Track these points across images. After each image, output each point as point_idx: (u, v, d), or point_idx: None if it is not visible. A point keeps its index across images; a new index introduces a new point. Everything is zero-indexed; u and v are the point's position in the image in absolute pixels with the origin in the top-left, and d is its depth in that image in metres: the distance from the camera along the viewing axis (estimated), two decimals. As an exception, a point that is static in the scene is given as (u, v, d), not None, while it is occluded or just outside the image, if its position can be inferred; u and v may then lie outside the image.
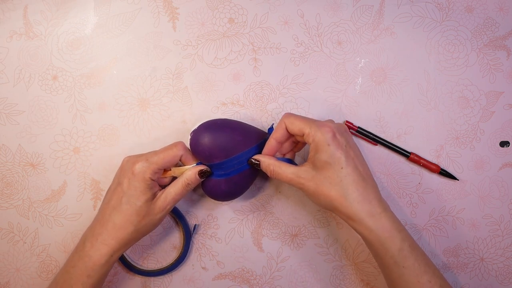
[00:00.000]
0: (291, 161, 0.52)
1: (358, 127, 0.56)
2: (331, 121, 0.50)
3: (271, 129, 0.53)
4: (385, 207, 0.48)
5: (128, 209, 0.48)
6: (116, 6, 0.55)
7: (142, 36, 0.55)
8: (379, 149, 0.57)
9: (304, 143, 0.53)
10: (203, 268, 0.57)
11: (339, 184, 0.46)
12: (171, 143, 0.56)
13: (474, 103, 0.57)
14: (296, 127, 0.48)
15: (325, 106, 0.57)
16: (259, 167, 0.50)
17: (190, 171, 0.50)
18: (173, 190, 0.50)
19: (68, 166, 0.56)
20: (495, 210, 0.57)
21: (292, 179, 0.48)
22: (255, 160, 0.50)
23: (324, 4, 0.56)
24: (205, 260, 0.57)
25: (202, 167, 0.50)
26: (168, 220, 0.57)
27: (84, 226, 0.56)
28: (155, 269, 0.57)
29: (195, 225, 0.57)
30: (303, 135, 0.48)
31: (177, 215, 0.56)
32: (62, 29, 0.55)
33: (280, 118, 0.57)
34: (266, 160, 0.50)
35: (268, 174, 0.50)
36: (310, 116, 0.56)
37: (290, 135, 0.50)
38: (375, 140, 0.56)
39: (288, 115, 0.49)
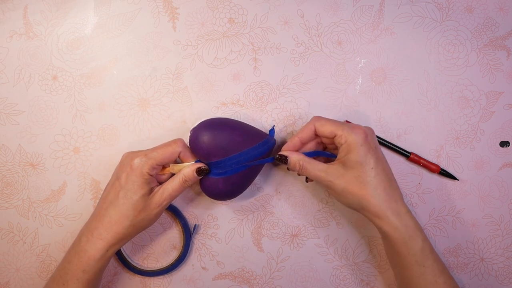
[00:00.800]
0: (320, 153, 0.52)
1: (358, 127, 0.56)
2: (358, 124, 0.51)
3: (272, 131, 0.53)
4: (408, 209, 0.49)
5: (125, 204, 0.48)
6: (116, 6, 0.55)
7: (142, 36, 0.55)
8: (379, 149, 0.57)
9: (325, 147, 0.53)
10: (203, 268, 0.57)
11: (369, 183, 0.48)
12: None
13: (474, 103, 0.57)
14: (327, 129, 0.49)
15: (325, 106, 0.56)
16: (286, 163, 0.50)
17: (188, 168, 0.50)
18: (170, 186, 0.50)
19: (68, 166, 0.56)
20: (495, 210, 0.57)
21: (321, 176, 0.49)
22: (282, 155, 0.50)
23: (324, 4, 0.56)
24: (205, 260, 0.57)
25: (200, 164, 0.50)
26: (168, 220, 0.57)
27: (84, 226, 0.56)
28: (155, 269, 0.57)
29: (195, 225, 0.57)
30: (335, 136, 0.49)
31: (177, 215, 0.56)
32: (62, 29, 0.55)
33: (278, 118, 0.56)
34: (295, 155, 0.50)
35: (296, 170, 0.50)
36: (309, 116, 0.56)
37: (315, 137, 0.52)
38: (375, 140, 0.56)
39: (318, 118, 0.50)
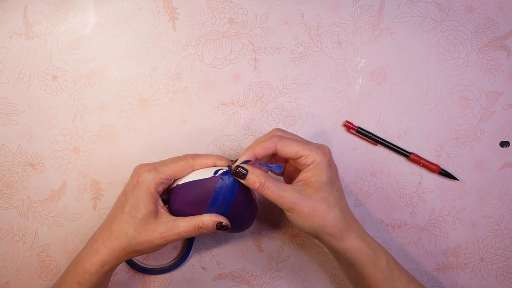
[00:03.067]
0: (269, 166, 0.47)
1: (358, 127, 0.56)
2: (322, 144, 0.48)
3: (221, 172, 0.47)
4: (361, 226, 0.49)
5: (128, 221, 0.46)
6: (116, 6, 0.55)
7: (142, 36, 0.55)
8: (379, 149, 0.57)
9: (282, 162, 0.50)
10: (203, 268, 0.57)
11: (336, 205, 0.46)
12: (171, 143, 0.56)
13: (474, 103, 0.57)
14: (292, 149, 0.45)
15: (325, 106, 0.56)
16: (245, 178, 0.45)
17: (209, 218, 0.46)
18: (183, 225, 0.46)
19: (68, 166, 0.56)
20: (495, 210, 0.57)
21: (284, 197, 0.44)
22: (240, 170, 0.45)
23: (324, 4, 0.56)
24: (205, 260, 0.57)
25: (222, 219, 0.46)
26: (168, 220, 0.57)
27: (83, 226, 0.56)
28: (156, 267, 0.57)
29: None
30: (300, 157, 0.45)
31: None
32: (62, 29, 0.55)
33: (278, 118, 0.56)
34: (256, 171, 0.45)
35: (255, 187, 0.45)
36: (309, 116, 0.56)
37: (271, 156, 0.48)
38: (375, 140, 0.56)
39: (280, 137, 0.46)
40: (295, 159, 0.46)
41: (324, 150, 0.46)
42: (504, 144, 0.57)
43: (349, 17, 0.56)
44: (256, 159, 0.46)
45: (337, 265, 0.57)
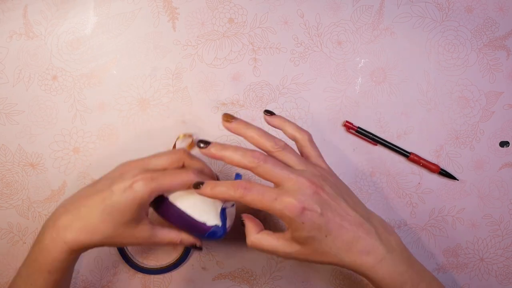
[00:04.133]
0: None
1: (358, 127, 0.56)
2: (298, 178, 0.41)
3: (238, 176, 0.49)
4: (389, 247, 0.42)
5: (108, 221, 0.43)
6: (116, 6, 0.55)
7: (142, 36, 0.55)
8: (379, 149, 0.57)
9: None
10: (203, 268, 0.57)
11: (330, 252, 0.41)
12: (170, 144, 0.56)
13: (474, 103, 0.57)
14: (256, 204, 0.41)
15: (325, 106, 0.57)
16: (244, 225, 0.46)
17: (188, 238, 0.47)
18: (160, 236, 0.46)
19: (68, 166, 0.56)
20: (495, 210, 0.57)
21: (276, 254, 0.43)
22: (243, 221, 0.46)
23: (324, 4, 0.56)
24: (205, 260, 0.57)
25: (199, 243, 0.48)
26: (168, 220, 0.57)
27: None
28: (156, 267, 0.57)
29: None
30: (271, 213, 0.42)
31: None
32: (62, 29, 0.55)
33: (281, 113, 0.56)
34: (247, 226, 0.45)
35: (248, 243, 0.44)
36: (309, 116, 0.56)
37: None
38: (375, 140, 0.56)
39: (244, 191, 0.41)
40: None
41: (289, 208, 0.40)
42: (504, 144, 0.57)
43: (349, 17, 0.56)
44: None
45: (337, 265, 0.57)
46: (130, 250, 0.57)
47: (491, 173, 0.57)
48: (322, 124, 0.56)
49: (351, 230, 0.41)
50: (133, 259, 0.57)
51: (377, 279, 0.42)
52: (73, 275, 0.55)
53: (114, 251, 0.56)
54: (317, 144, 0.47)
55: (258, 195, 0.40)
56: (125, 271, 0.57)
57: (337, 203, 0.42)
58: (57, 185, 0.56)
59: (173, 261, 0.57)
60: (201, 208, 0.45)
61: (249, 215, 0.46)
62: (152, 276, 0.57)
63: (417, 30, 0.56)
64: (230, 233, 0.57)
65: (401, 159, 0.57)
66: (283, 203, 0.40)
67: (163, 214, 0.46)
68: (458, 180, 0.57)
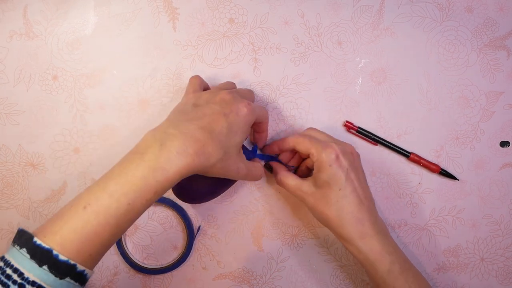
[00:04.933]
0: (279, 161, 0.55)
1: (358, 127, 0.56)
2: (339, 142, 0.51)
3: (255, 151, 0.54)
4: (380, 230, 0.49)
5: (222, 142, 0.43)
6: (116, 6, 0.55)
7: (142, 36, 0.55)
8: (379, 149, 0.57)
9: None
10: (203, 268, 0.57)
11: (335, 204, 0.48)
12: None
13: (474, 103, 0.57)
14: (303, 147, 0.50)
15: (325, 106, 0.57)
16: (271, 172, 0.54)
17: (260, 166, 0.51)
18: (257, 166, 0.50)
19: (68, 166, 0.56)
20: (495, 210, 0.57)
21: (295, 191, 0.51)
22: (268, 165, 0.55)
23: (324, 4, 0.56)
24: (205, 260, 0.57)
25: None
26: (169, 220, 0.57)
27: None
28: (156, 267, 0.57)
29: (199, 226, 0.57)
30: (310, 154, 0.49)
31: (182, 215, 0.56)
32: (62, 29, 0.55)
33: (278, 118, 0.56)
34: (276, 168, 0.53)
35: (276, 180, 0.53)
36: (310, 116, 0.56)
37: (295, 152, 0.54)
38: (375, 140, 0.56)
39: (299, 136, 0.51)
40: (308, 156, 0.50)
41: (328, 150, 0.48)
42: (504, 144, 0.57)
43: (349, 17, 0.56)
44: (280, 150, 0.53)
45: (337, 265, 0.57)
46: (130, 250, 0.57)
47: (492, 173, 0.57)
48: (323, 124, 0.56)
49: (360, 197, 0.48)
50: (133, 259, 0.57)
51: (364, 250, 0.48)
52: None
53: (114, 251, 0.57)
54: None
55: (311, 140, 0.50)
56: (125, 271, 0.57)
57: (362, 174, 0.50)
58: (58, 185, 0.56)
59: (173, 261, 0.57)
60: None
61: (276, 162, 0.54)
62: (152, 276, 0.57)
63: (417, 30, 0.56)
64: (230, 233, 0.57)
65: (402, 159, 0.57)
66: (326, 145, 0.48)
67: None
68: (458, 180, 0.57)
